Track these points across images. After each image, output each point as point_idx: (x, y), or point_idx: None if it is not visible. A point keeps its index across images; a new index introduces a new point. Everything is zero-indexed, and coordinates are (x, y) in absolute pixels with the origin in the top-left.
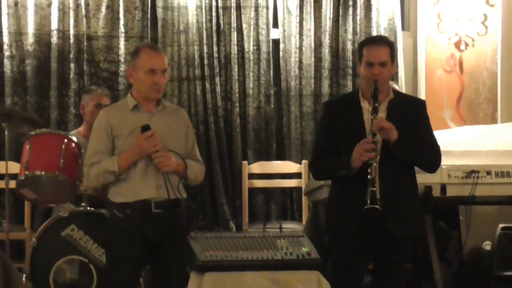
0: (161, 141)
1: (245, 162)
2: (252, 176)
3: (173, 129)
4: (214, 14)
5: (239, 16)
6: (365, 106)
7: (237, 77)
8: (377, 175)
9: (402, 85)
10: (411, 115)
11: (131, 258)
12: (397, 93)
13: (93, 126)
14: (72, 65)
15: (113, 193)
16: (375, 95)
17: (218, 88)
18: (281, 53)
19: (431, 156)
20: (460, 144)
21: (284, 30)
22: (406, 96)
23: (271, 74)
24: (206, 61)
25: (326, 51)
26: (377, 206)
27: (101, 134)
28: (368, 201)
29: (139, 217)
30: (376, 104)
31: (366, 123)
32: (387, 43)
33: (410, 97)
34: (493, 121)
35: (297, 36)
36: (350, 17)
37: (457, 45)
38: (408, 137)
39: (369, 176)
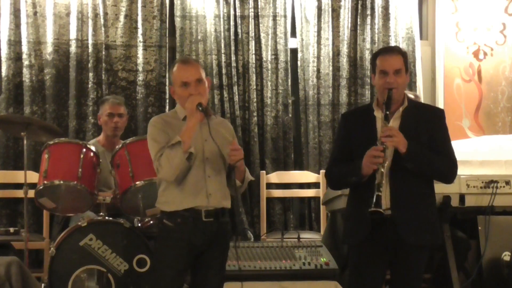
0: (220, 148)
1: (263, 172)
2: (270, 185)
3: (224, 138)
4: (232, 23)
5: (257, 25)
6: (378, 115)
7: (255, 86)
8: (387, 181)
9: (420, 94)
10: (426, 123)
11: (178, 267)
12: (412, 102)
13: (148, 131)
14: (90, 74)
15: (162, 201)
16: (388, 103)
17: (236, 97)
18: (299, 62)
19: (445, 167)
20: (478, 154)
21: (302, 39)
22: (423, 105)
23: (289, 83)
24: (224, 70)
25: (344, 60)
26: (380, 210)
27: (160, 133)
28: (373, 205)
29: (189, 226)
30: (388, 112)
31: (378, 131)
32: (400, 53)
33: (428, 106)
34: None
35: (315, 45)
36: (368, 26)
37: (476, 54)
38: (421, 146)
39: (376, 182)
